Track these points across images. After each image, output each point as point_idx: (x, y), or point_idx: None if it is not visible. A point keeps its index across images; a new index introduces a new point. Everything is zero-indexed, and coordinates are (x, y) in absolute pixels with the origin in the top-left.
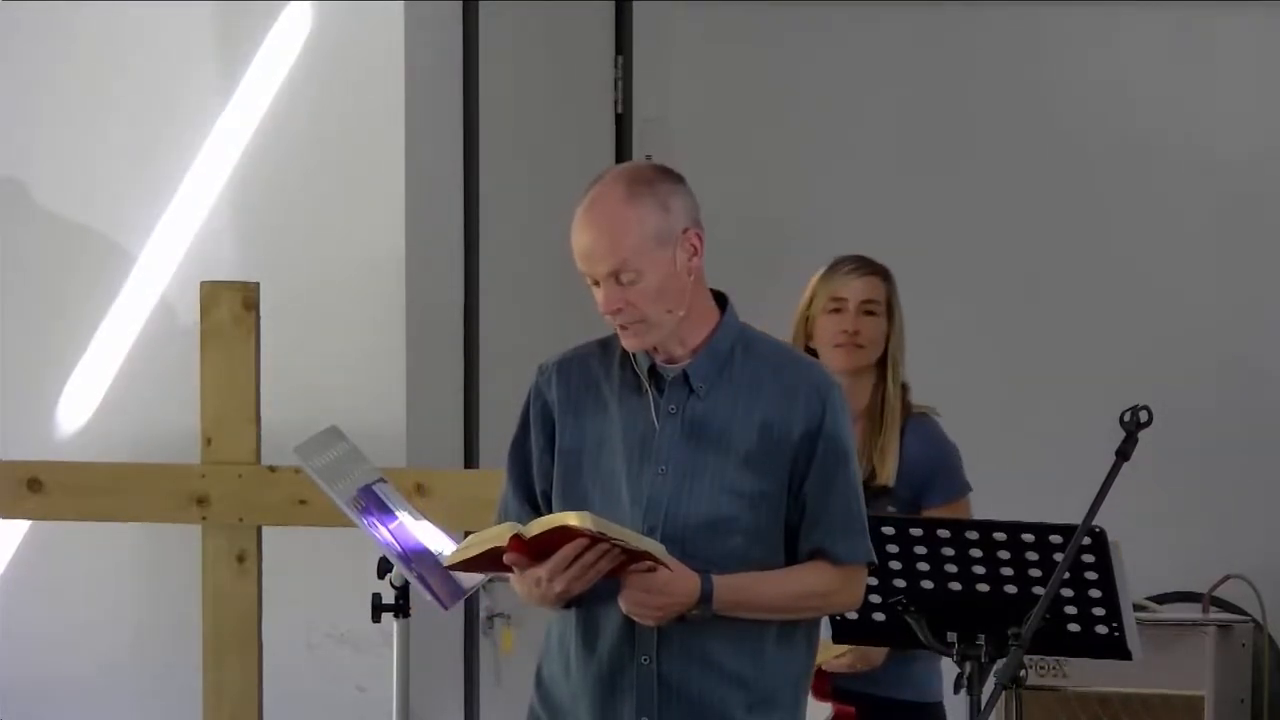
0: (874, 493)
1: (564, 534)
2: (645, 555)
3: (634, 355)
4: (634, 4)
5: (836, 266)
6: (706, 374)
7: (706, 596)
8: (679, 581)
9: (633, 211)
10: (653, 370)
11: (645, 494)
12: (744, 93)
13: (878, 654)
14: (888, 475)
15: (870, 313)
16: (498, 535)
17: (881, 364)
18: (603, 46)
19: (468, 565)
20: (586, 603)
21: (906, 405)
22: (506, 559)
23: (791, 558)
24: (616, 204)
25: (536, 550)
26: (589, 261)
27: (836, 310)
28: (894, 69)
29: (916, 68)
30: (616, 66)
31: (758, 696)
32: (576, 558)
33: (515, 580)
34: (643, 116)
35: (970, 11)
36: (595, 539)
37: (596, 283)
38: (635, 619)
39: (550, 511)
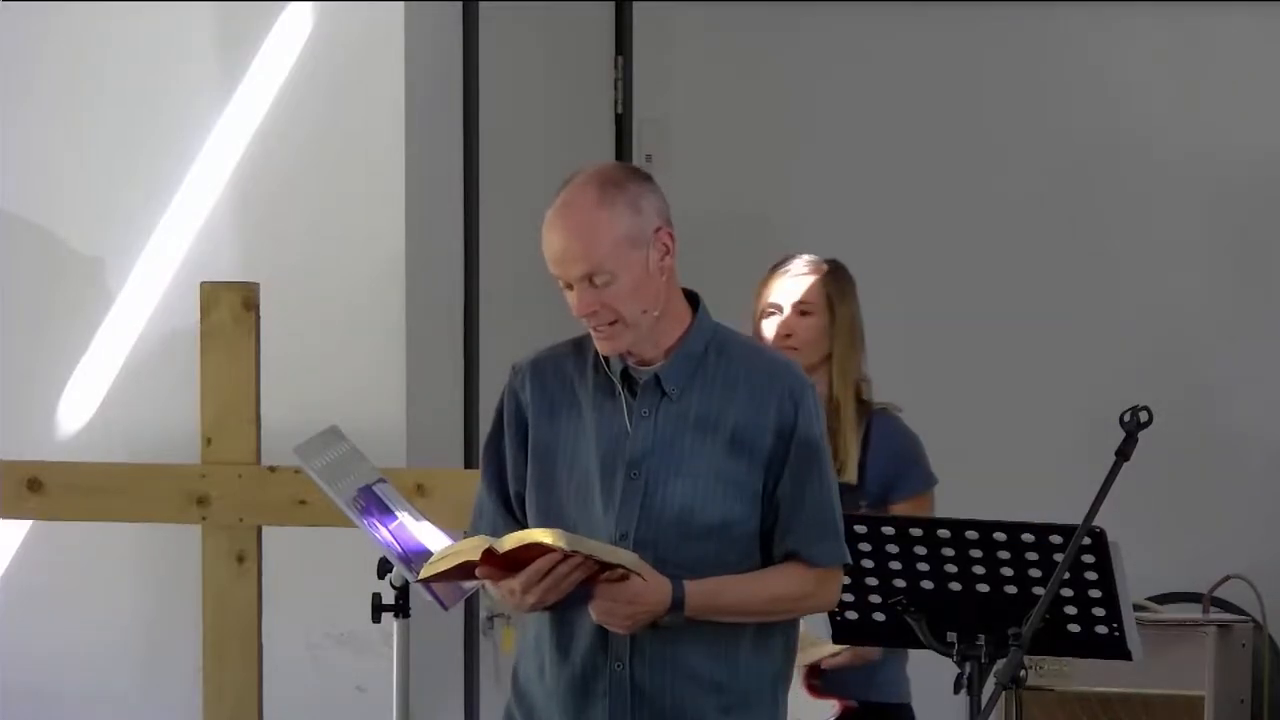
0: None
1: (537, 549)
2: (618, 565)
3: (606, 358)
4: (634, 4)
5: (774, 269)
6: (679, 376)
7: (678, 604)
8: (650, 591)
9: (605, 214)
10: (625, 373)
11: (617, 498)
12: (744, 93)
13: (874, 649)
14: (850, 473)
15: (805, 313)
16: (471, 549)
17: (830, 363)
18: (603, 46)
19: (442, 577)
20: (561, 607)
21: (864, 402)
22: (479, 573)
23: (767, 560)
24: (588, 207)
25: (509, 563)
26: (562, 265)
27: (773, 313)
28: (894, 69)
29: (916, 68)
30: (616, 66)
31: (733, 700)
32: (549, 571)
33: (491, 586)
34: (643, 116)
35: (970, 12)
36: (567, 555)
37: (569, 286)
38: (606, 627)
39: (524, 512)
